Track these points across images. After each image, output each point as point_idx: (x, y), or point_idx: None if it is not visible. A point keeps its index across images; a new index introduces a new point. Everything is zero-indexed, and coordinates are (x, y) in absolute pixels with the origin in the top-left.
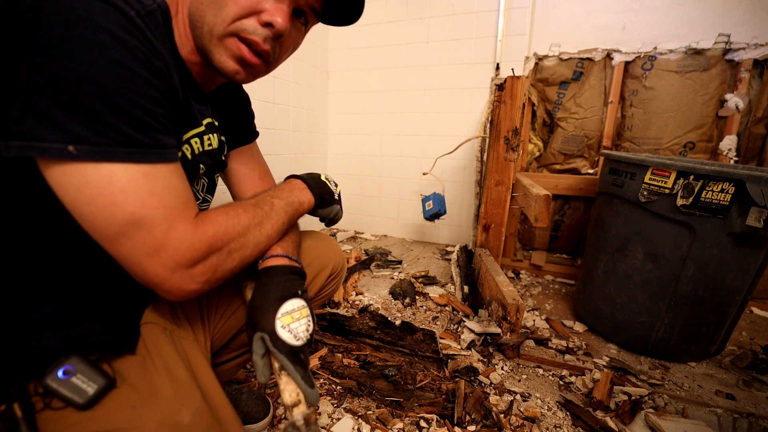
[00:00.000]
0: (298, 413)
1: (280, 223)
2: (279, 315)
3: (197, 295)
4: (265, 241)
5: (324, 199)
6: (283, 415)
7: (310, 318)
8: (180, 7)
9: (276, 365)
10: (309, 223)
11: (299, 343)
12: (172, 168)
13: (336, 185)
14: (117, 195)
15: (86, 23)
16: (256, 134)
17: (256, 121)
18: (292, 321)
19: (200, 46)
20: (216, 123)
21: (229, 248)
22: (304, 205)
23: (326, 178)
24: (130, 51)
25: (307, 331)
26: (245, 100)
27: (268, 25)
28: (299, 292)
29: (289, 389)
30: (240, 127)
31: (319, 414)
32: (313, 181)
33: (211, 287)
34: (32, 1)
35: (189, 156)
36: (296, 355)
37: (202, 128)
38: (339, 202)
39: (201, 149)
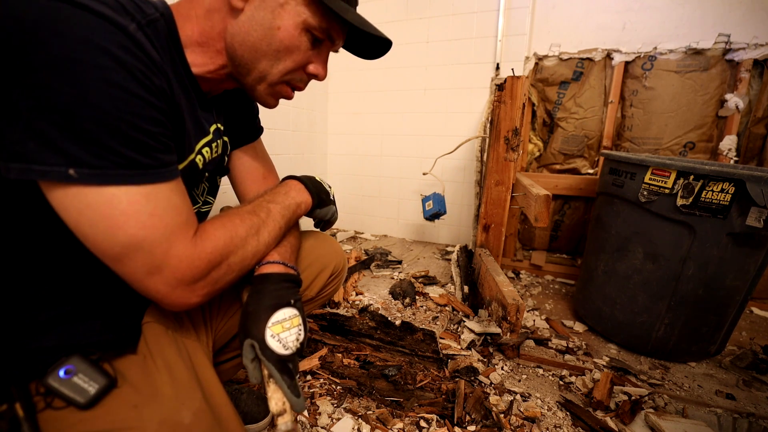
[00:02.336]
0: (282, 423)
1: (277, 229)
2: (270, 324)
3: (199, 305)
4: (263, 249)
5: (321, 199)
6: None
7: (301, 327)
8: (194, 22)
9: (265, 372)
10: (308, 222)
11: (288, 352)
12: (173, 185)
13: (329, 187)
14: (118, 218)
15: (85, 44)
16: (260, 130)
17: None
18: (283, 330)
19: (241, 80)
20: (221, 127)
21: (229, 262)
22: (302, 206)
23: (320, 179)
24: (129, 72)
25: (297, 340)
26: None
27: (311, 74)
28: (292, 301)
29: (276, 397)
30: (245, 125)
31: (319, 414)
32: (309, 181)
33: (212, 297)
34: (30, 22)
35: (200, 165)
36: (284, 365)
37: (210, 136)
38: (334, 202)
39: (210, 157)
